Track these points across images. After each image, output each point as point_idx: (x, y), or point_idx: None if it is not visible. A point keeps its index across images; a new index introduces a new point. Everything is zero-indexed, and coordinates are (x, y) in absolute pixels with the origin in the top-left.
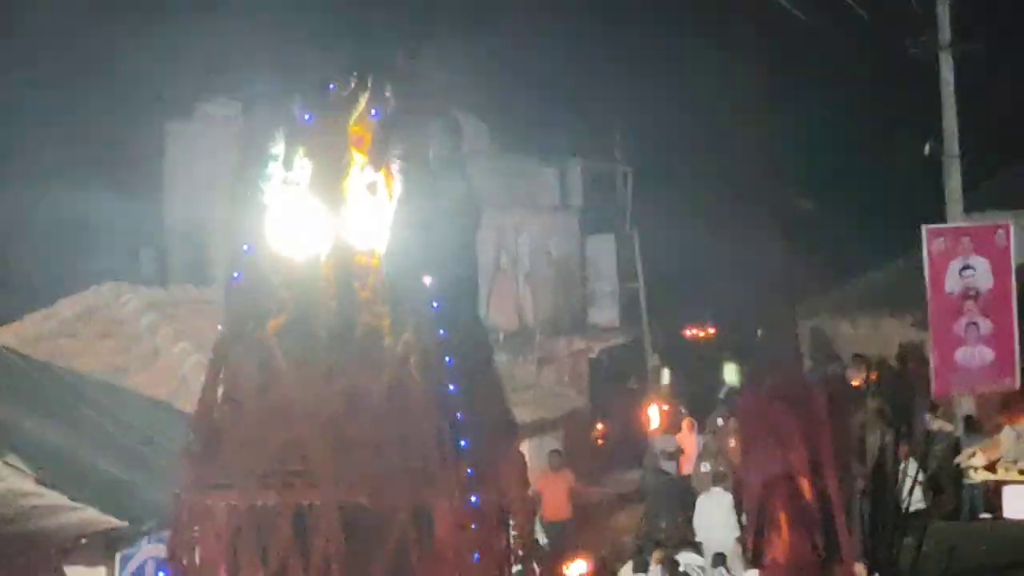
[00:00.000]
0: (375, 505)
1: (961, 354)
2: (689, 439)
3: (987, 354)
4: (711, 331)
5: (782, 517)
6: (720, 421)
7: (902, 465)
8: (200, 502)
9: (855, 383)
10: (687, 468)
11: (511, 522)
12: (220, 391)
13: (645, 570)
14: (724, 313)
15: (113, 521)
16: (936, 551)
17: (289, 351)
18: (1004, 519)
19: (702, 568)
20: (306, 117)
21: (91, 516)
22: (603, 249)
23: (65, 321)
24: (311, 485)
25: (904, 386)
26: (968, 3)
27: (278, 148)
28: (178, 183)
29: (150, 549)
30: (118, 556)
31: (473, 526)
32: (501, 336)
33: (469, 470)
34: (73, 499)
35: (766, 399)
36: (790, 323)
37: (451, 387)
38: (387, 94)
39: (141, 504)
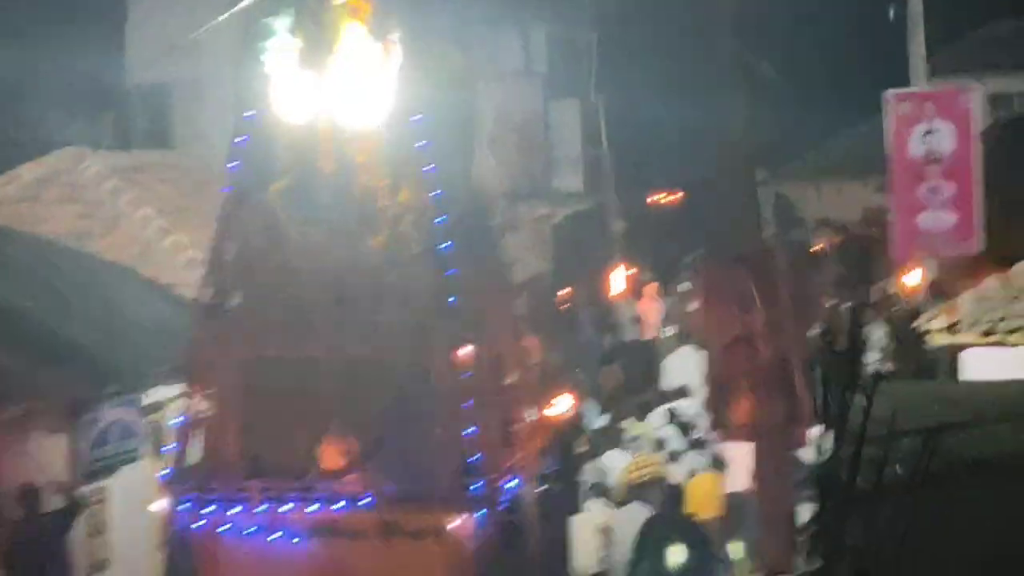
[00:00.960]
0: (374, 356)
1: (923, 218)
2: (652, 305)
3: (949, 218)
4: (676, 196)
5: (742, 380)
6: (686, 285)
7: (862, 326)
8: (211, 354)
9: (817, 248)
10: (649, 333)
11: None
12: (229, 251)
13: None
14: (690, 179)
15: (76, 386)
16: (887, 410)
17: (291, 212)
18: (959, 381)
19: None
20: None
21: (52, 381)
22: (567, 114)
23: (26, 185)
24: (314, 338)
25: (867, 250)
26: None
27: (278, 21)
28: (140, 45)
29: (114, 413)
30: (80, 421)
31: (467, 373)
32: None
33: (462, 323)
34: (34, 364)
35: (727, 263)
36: (752, 188)
37: (445, 244)
38: None
39: (104, 369)
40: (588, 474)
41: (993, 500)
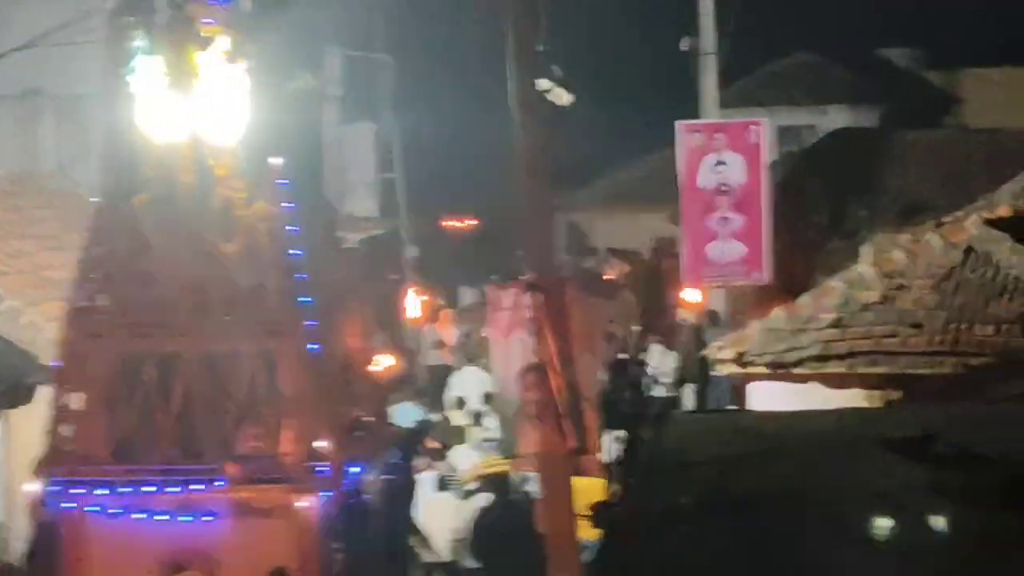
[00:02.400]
0: (229, 352)
1: (712, 248)
2: (448, 329)
3: (738, 248)
4: (471, 222)
5: (534, 407)
6: (476, 312)
7: (647, 354)
8: (80, 351)
9: (609, 276)
10: (448, 357)
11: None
12: (97, 256)
13: None
14: (485, 205)
15: None
16: (674, 441)
17: (155, 221)
18: (748, 411)
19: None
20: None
21: None
22: (362, 138)
23: None
24: (175, 336)
25: (658, 279)
26: None
27: (139, 43)
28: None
29: None
30: None
31: (311, 369)
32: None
33: (311, 322)
34: None
35: (520, 290)
36: (546, 215)
37: (296, 252)
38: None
39: None
40: (439, 468)
41: (773, 532)
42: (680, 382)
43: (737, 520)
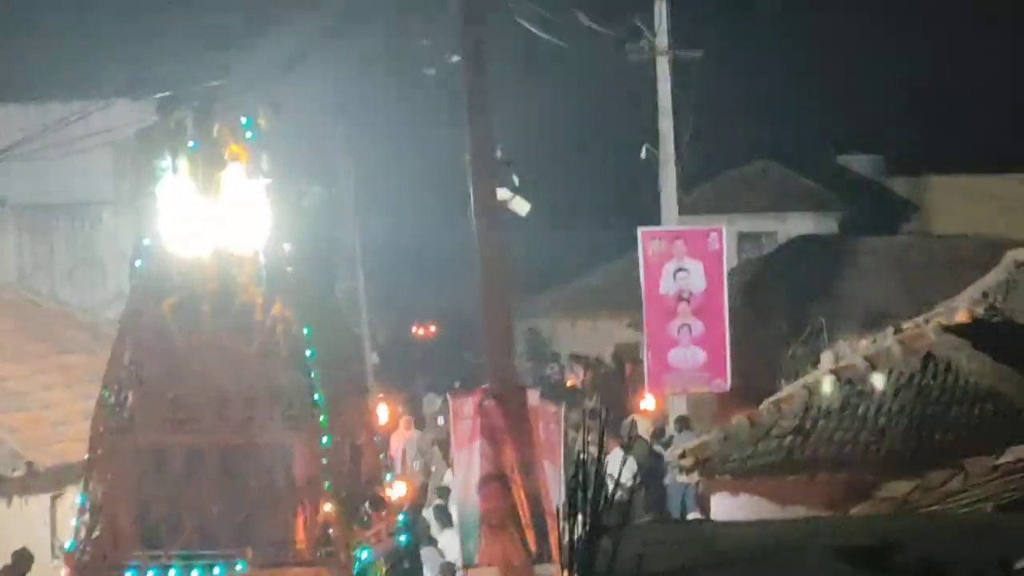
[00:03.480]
0: (248, 446)
1: (674, 355)
2: (406, 436)
3: (699, 355)
4: (432, 329)
5: (495, 517)
6: (441, 420)
7: (606, 460)
8: (110, 443)
9: (571, 383)
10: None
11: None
12: (127, 356)
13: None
14: (447, 312)
15: None
16: (633, 551)
17: (181, 324)
18: (710, 521)
19: None
20: (191, 143)
21: None
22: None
23: None
24: (198, 431)
25: (620, 386)
26: (687, 9)
27: (166, 163)
28: None
29: None
30: None
31: (324, 460)
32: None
33: (323, 417)
34: None
35: (480, 399)
36: (507, 322)
37: (309, 352)
38: (261, 122)
39: None
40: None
41: None
42: (639, 489)
43: None
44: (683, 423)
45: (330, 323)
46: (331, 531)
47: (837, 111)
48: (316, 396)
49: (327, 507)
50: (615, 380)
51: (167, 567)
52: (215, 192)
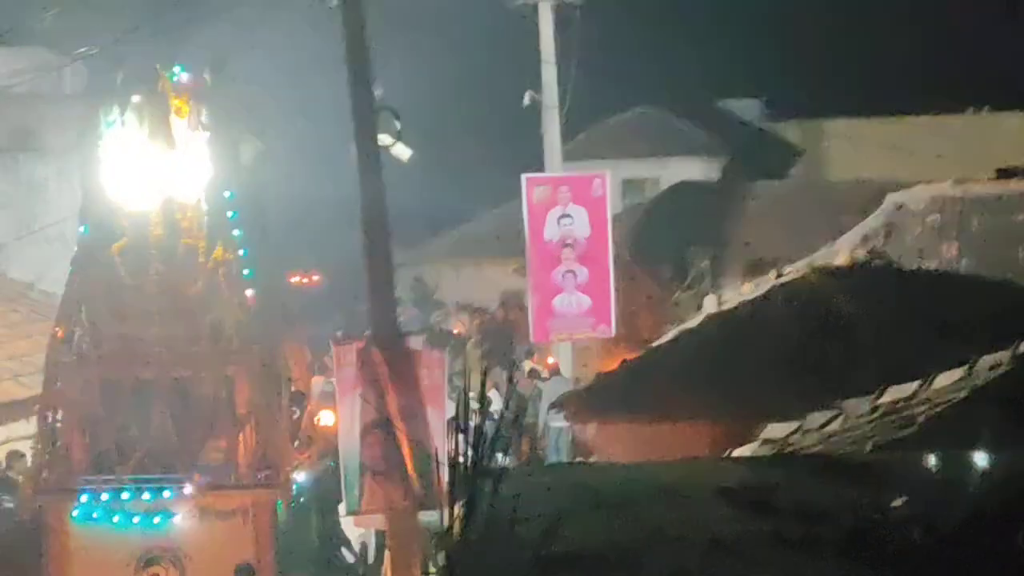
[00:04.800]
0: (193, 377)
1: (559, 301)
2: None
3: (584, 301)
4: (315, 278)
5: (378, 464)
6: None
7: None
8: (63, 376)
9: (457, 331)
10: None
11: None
12: (77, 295)
13: None
14: (330, 260)
15: None
16: (511, 496)
17: (129, 266)
18: (592, 463)
19: None
20: (135, 97)
21: None
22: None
23: None
24: (146, 364)
25: (505, 332)
26: None
27: (113, 116)
28: None
29: None
30: None
31: (262, 390)
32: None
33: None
34: None
35: (362, 346)
36: (388, 270)
37: (249, 291)
38: (205, 76)
39: None
40: None
41: None
42: (518, 434)
43: None
44: (554, 370)
45: (263, 266)
46: (269, 455)
47: (720, 56)
48: (254, 332)
49: (265, 433)
50: (501, 327)
51: (119, 490)
52: (159, 143)
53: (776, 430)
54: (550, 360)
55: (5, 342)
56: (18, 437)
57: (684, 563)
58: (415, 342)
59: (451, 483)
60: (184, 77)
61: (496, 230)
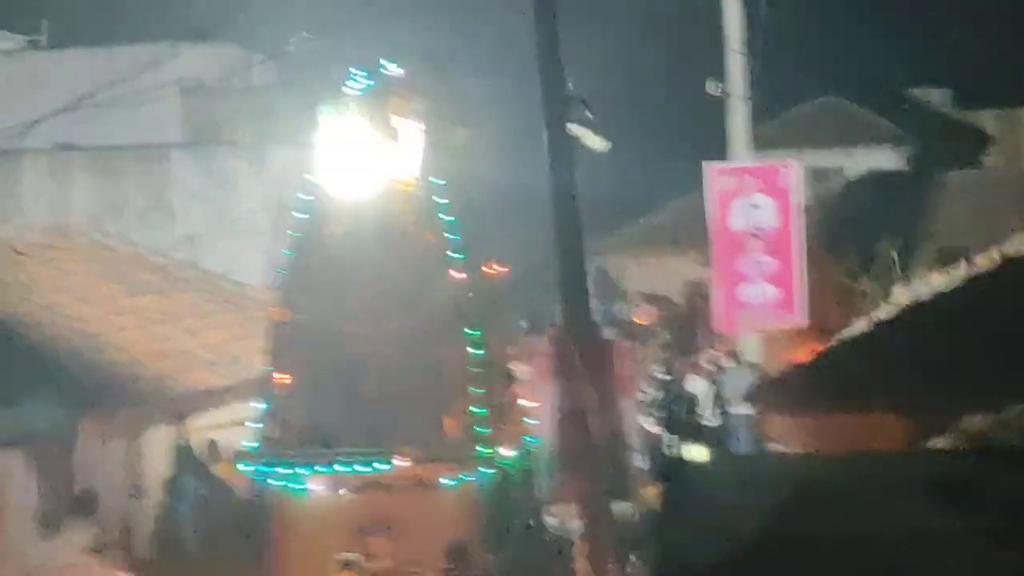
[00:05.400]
0: (405, 357)
1: (745, 291)
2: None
3: (770, 292)
4: (502, 269)
5: (571, 454)
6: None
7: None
8: (284, 356)
9: (640, 321)
10: None
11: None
12: (296, 279)
13: None
14: (514, 251)
15: None
16: (714, 486)
17: (343, 250)
18: (790, 454)
19: None
20: (359, 88)
21: None
22: None
23: None
24: (362, 343)
25: (689, 324)
26: None
27: (330, 108)
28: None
29: None
30: None
31: (474, 370)
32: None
33: (477, 332)
34: None
35: (555, 337)
36: (581, 262)
37: (462, 275)
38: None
39: None
40: None
41: None
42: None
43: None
44: (737, 357)
45: (479, 253)
46: (478, 432)
47: (908, 44)
48: (467, 312)
49: (475, 411)
50: (684, 318)
51: (336, 463)
52: (376, 133)
53: (973, 422)
54: (734, 351)
55: (199, 332)
56: (213, 425)
57: (886, 556)
58: (607, 332)
59: (652, 472)
60: (398, 70)
61: (678, 220)
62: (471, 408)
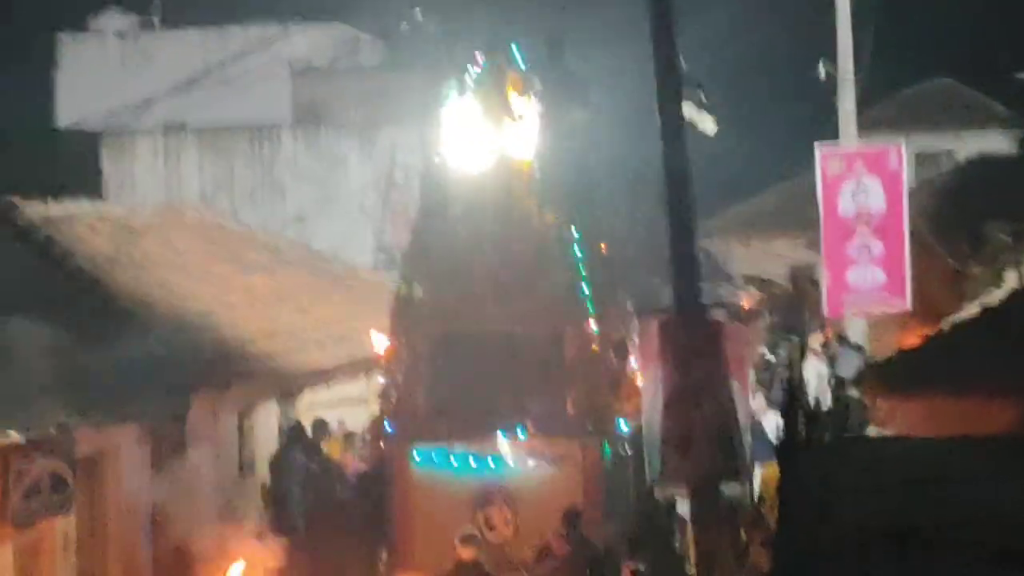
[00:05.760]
0: (526, 332)
1: (853, 275)
2: None
3: (879, 275)
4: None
5: (679, 436)
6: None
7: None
8: (404, 333)
9: (746, 304)
10: None
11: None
12: (419, 256)
13: None
14: (612, 231)
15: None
16: (843, 469)
17: (466, 227)
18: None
19: None
20: (479, 68)
21: None
22: None
23: None
24: (482, 319)
25: (796, 307)
26: None
27: (455, 87)
28: (71, 95)
29: (45, 464)
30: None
31: (593, 346)
32: (397, 253)
33: (591, 308)
34: None
35: (665, 318)
36: (691, 244)
37: (579, 252)
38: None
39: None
40: None
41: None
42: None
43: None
44: (845, 341)
45: (593, 228)
46: (595, 406)
47: (1021, 25)
48: (585, 290)
49: (591, 385)
50: (791, 301)
51: (457, 436)
52: (496, 113)
53: None
54: (842, 335)
55: (309, 310)
56: (322, 404)
57: (1009, 543)
58: (718, 313)
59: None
60: (515, 50)
61: (785, 203)
62: (589, 382)
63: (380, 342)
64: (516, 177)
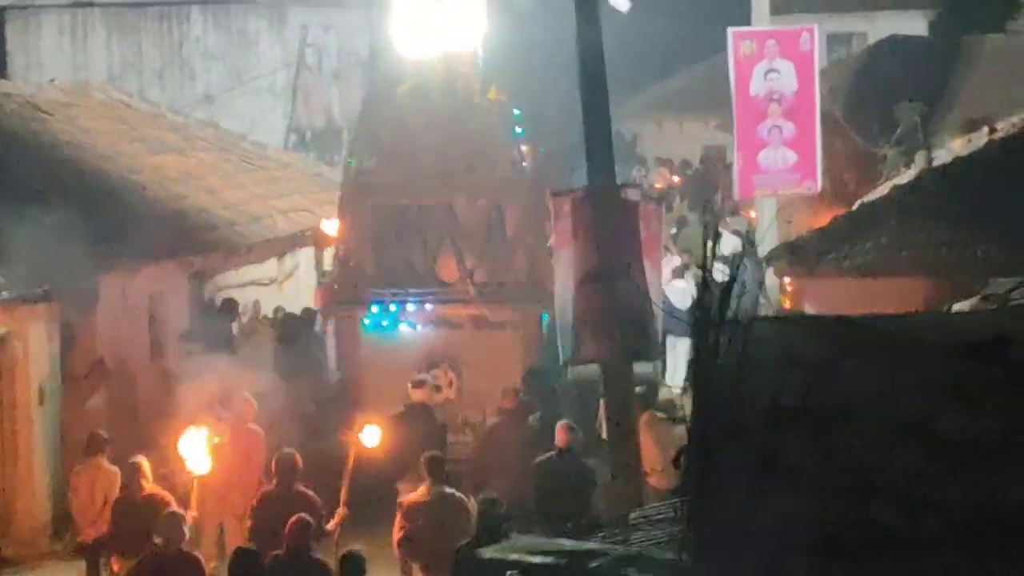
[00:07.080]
0: (467, 203)
1: (764, 156)
2: None
3: (790, 156)
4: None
5: (593, 315)
6: None
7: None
8: (354, 202)
9: (658, 186)
10: None
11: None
12: (367, 130)
13: None
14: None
15: None
16: (759, 346)
17: (413, 105)
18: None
19: None
20: None
21: None
22: None
23: None
24: (427, 191)
25: (708, 188)
26: None
27: None
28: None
29: None
30: None
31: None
32: (308, 134)
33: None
34: None
35: (578, 197)
36: (606, 123)
37: (518, 129)
38: None
39: None
40: None
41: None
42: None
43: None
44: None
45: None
46: (534, 275)
47: None
48: (524, 164)
49: (531, 255)
50: (703, 182)
51: (404, 302)
52: None
53: (998, 285)
54: (752, 215)
55: (219, 191)
56: (232, 285)
57: (924, 413)
58: (632, 192)
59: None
60: None
61: (697, 85)
62: (528, 253)
63: (331, 226)
64: (459, 58)
